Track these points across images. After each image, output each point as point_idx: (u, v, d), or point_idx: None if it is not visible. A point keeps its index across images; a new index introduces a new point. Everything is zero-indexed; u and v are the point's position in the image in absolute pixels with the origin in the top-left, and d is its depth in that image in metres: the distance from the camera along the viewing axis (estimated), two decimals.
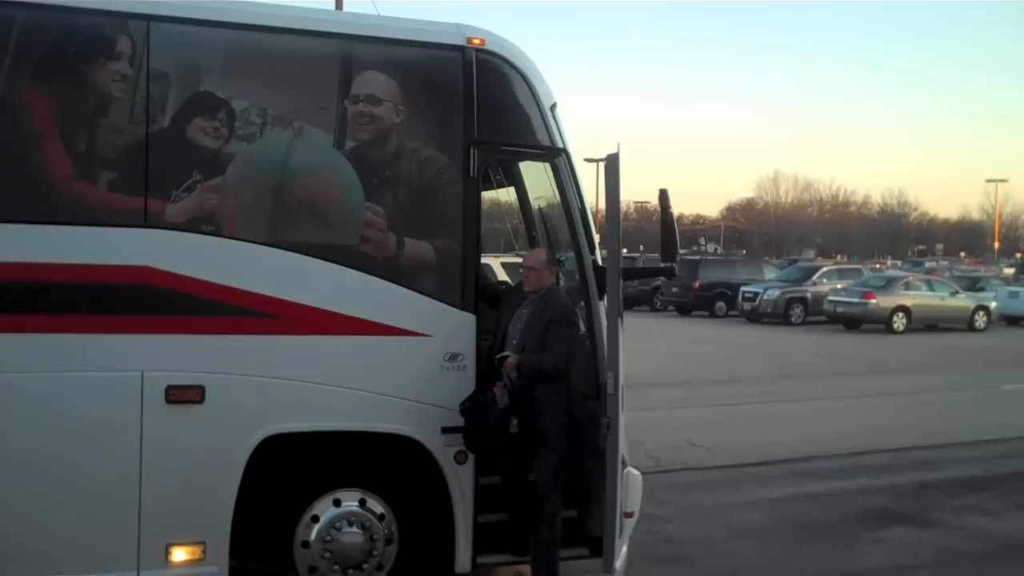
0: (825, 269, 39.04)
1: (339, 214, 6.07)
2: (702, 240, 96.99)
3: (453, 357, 6.19)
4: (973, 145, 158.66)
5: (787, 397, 17.26)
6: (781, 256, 77.09)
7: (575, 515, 6.67)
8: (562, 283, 8.02)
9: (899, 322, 32.10)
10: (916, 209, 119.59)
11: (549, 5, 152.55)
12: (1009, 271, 55.84)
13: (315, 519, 6.11)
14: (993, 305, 34.80)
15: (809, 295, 35.29)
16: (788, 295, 35.15)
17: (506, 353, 6.31)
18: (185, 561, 5.76)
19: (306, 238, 5.98)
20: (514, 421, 6.28)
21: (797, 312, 34.85)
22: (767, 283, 36.98)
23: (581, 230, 6.58)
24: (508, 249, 11.49)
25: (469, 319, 6.24)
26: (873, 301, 32.14)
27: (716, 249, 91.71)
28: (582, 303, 6.79)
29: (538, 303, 6.48)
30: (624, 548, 6.48)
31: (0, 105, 5.52)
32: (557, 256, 8.07)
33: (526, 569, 6.92)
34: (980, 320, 33.69)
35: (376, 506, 6.22)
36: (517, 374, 6.31)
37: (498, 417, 6.15)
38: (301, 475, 6.09)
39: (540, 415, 6.29)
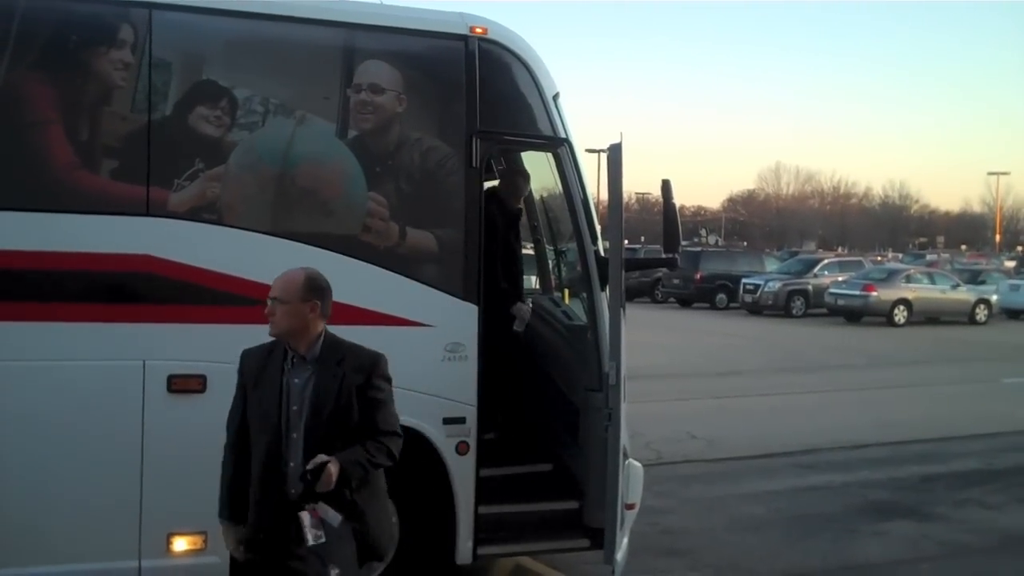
0: (826, 261, 39.09)
1: (341, 203, 6.05)
2: (703, 231, 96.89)
3: (455, 347, 6.17)
4: (975, 138, 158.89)
5: (788, 389, 17.26)
6: (782, 248, 77.17)
7: (576, 507, 6.67)
8: (565, 274, 8.04)
9: (900, 315, 32.11)
10: (917, 202, 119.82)
11: None
12: (1010, 264, 55.76)
13: None
14: (994, 298, 34.84)
15: (810, 287, 35.29)
16: (789, 287, 35.16)
17: (322, 459, 4.07)
18: (186, 551, 5.75)
19: (308, 227, 5.96)
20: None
21: (798, 304, 34.86)
22: (768, 275, 36.96)
23: (583, 220, 6.55)
24: None
25: (471, 309, 6.22)
26: (874, 294, 32.16)
27: (717, 241, 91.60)
28: (584, 294, 6.78)
29: (322, 360, 4.35)
30: (625, 540, 6.48)
31: (2, 93, 5.50)
32: (558, 247, 8.10)
33: (527, 561, 6.94)
34: (981, 313, 33.72)
35: None
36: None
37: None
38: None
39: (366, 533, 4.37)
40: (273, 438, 4.30)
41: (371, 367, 4.41)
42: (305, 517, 4.17)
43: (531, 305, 7.38)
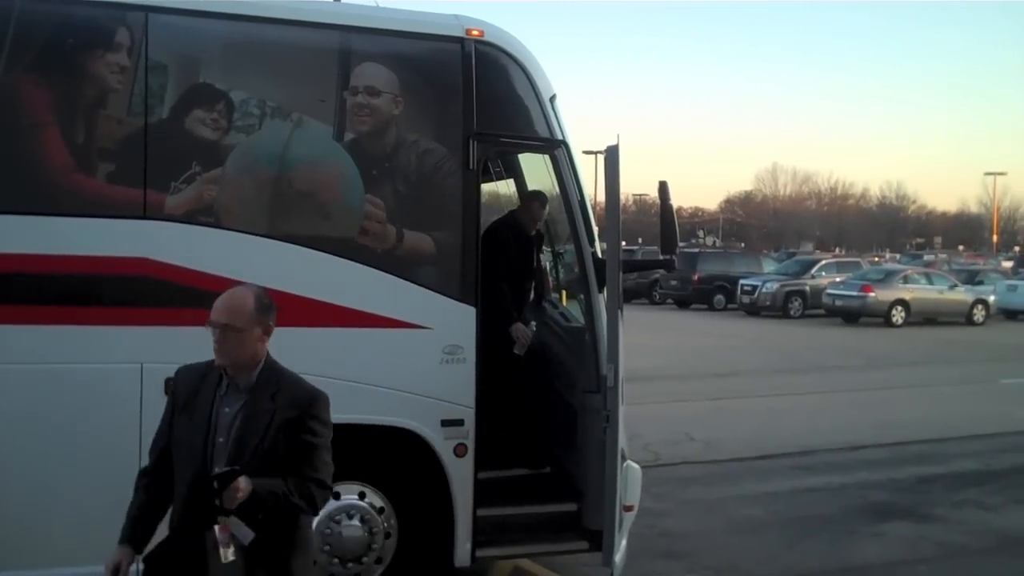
0: (824, 262, 39.07)
1: (338, 206, 6.04)
2: (701, 233, 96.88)
3: (453, 349, 6.16)
4: (971, 138, 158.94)
5: (786, 391, 17.26)
6: (780, 249, 77.17)
7: (575, 509, 6.67)
8: (562, 276, 8.05)
9: (898, 315, 32.15)
10: (915, 202, 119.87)
11: None
12: (1007, 264, 55.78)
13: None
14: (992, 299, 34.85)
15: (808, 288, 35.31)
16: (787, 288, 35.18)
17: (228, 468, 3.76)
18: None
19: (305, 230, 5.96)
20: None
21: (796, 305, 34.89)
22: (766, 276, 36.99)
23: (581, 222, 6.55)
24: None
25: (469, 311, 6.21)
26: (872, 294, 32.19)
27: (715, 242, 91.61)
28: (581, 296, 6.77)
29: (256, 390, 3.98)
30: (623, 542, 6.48)
31: None
32: (556, 249, 8.11)
33: (525, 563, 6.94)
34: (979, 314, 33.75)
35: (375, 499, 6.20)
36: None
37: None
38: None
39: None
40: (199, 471, 3.86)
41: (306, 406, 3.96)
42: (215, 532, 3.78)
43: (533, 327, 7.31)
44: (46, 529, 5.54)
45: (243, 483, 3.68)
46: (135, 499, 4.13)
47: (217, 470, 3.74)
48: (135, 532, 4.04)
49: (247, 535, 3.82)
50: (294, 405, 3.93)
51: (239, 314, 3.93)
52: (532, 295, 7.71)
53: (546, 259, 8.48)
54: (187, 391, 4.05)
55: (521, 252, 7.39)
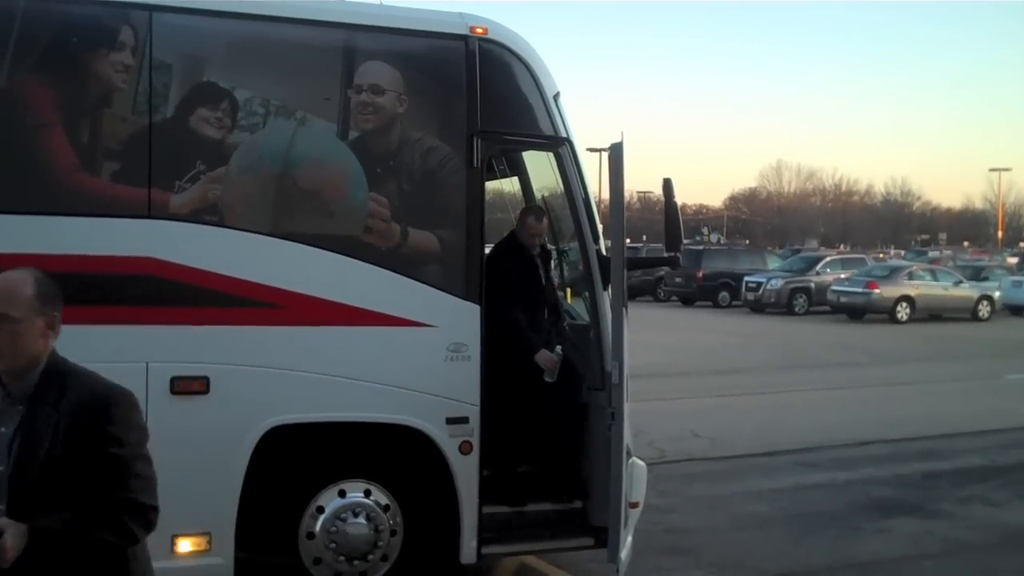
0: (828, 259, 39.07)
1: (343, 204, 6.05)
2: (705, 230, 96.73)
3: (458, 347, 6.17)
4: (976, 134, 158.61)
5: (791, 387, 17.25)
6: (784, 246, 77.01)
7: (580, 506, 6.67)
8: (567, 274, 8.02)
9: (903, 312, 32.08)
10: (919, 198, 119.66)
11: None
12: (1013, 260, 55.68)
13: (320, 510, 6.10)
14: (997, 295, 34.79)
15: (812, 285, 35.24)
16: (791, 285, 35.11)
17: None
18: (190, 552, 5.75)
19: (310, 228, 5.96)
20: None
21: (800, 302, 34.81)
22: (770, 273, 36.94)
23: (585, 220, 6.56)
24: None
25: (473, 309, 6.22)
26: (877, 291, 32.13)
27: (719, 239, 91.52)
28: (586, 293, 6.77)
29: (35, 398, 3.09)
30: (629, 538, 6.49)
31: (3, 96, 5.51)
32: (560, 246, 8.08)
33: (531, 560, 6.94)
34: (984, 310, 33.68)
35: (381, 497, 6.21)
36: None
37: None
38: (306, 466, 6.09)
39: None
40: None
41: (101, 409, 3.03)
42: None
43: (559, 352, 6.78)
44: None
45: (10, 538, 2.78)
46: None
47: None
48: None
49: None
50: (83, 411, 3.02)
51: (13, 299, 3.05)
52: (548, 313, 7.32)
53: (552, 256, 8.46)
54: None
55: (528, 276, 7.01)
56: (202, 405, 5.70)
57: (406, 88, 6.12)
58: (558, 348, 6.73)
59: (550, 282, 7.41)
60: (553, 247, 8.38)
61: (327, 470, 6.14)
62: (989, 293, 34.50)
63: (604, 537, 6.26)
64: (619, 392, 6.12)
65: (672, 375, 17.99)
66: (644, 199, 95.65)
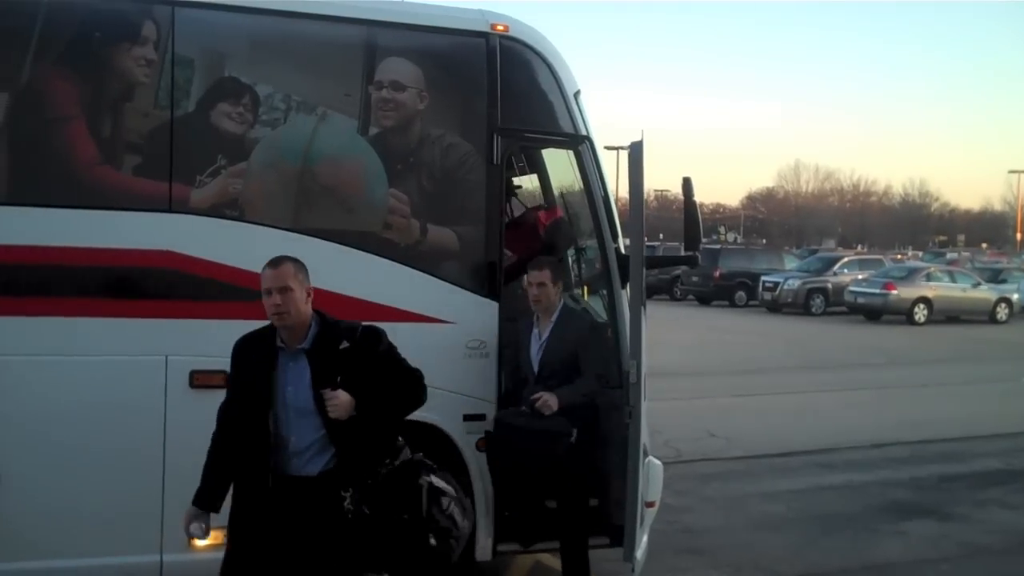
0: (846, 259, 38.95)
1: (362, 200, 6.06)
2: (722, 229, 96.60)
3: (476, 344, 6.18)
4: (995, 136, 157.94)
5: (807, 388, 17.20)
6: (801, 246, 76.78)
7: (596, 504, 6.66)
8: (583, 272, 7.99)
9: (920, 313, 31.95)
10: (938, 200, 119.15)
11: None
12: None
13: None
14: (1015, 297, 34.58)
15: (830, 285, 35.14)
16: (808, 285, 35.02)
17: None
18: (208, 546, 5.75)
19: (330, 224, 5.98)
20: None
21: (817, 302, 34.72)
22: (787, 273, 36.88)
23: (604, 218, 6.54)
24: None
25: (492, 306, 6.22)
26: (894, 292, 32.01)
27: (736, 238, 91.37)
28: (604, 291, 6.75)
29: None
30: (644, 538, 6.47)
31: (26, 90, 5.54)
32: (580, 245, 8.07)
33: (546, 558, 6.93)
34: (1002, 312, 33.51)
35: None
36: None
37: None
38: None
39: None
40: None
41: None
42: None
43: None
44: (71, 519, 5.58)
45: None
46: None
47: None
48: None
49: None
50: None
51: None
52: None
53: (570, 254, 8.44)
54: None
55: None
56: (221, 399, 5.69)
57: (427, 85, 6.13)
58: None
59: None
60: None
61: None
62: (1007, 295, 34.31)
63: (620, 536, 6.24)
64: (637, 391, 6.10)
65: (689, 374, 17.94)
66: (661, 197, 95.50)
